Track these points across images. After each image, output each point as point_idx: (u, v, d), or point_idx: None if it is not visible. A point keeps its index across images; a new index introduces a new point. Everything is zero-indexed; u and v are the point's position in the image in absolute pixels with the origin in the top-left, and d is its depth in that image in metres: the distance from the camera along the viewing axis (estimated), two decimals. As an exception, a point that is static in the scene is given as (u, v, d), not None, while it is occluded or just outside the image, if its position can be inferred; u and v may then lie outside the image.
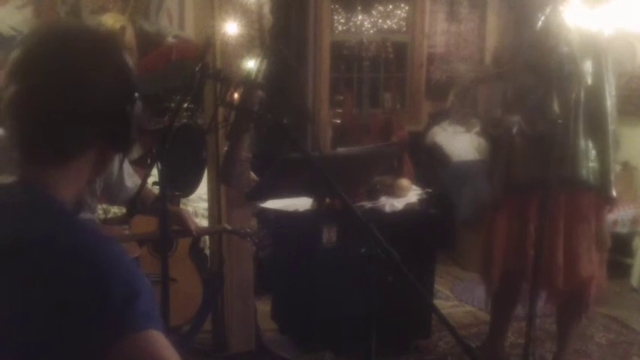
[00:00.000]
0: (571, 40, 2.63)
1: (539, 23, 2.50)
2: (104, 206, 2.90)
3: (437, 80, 5.53)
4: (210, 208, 3.23)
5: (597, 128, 2.71)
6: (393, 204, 3.21)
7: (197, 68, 2.06)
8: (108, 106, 0.99)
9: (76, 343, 0.85)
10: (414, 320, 3.24)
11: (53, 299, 0.86)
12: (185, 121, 2.21)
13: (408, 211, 3.25)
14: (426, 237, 3.25)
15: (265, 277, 3.59)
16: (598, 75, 2.68)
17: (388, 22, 5.58)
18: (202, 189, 3.20)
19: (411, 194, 3.35)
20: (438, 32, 5.55)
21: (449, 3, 5.54)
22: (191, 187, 2.76)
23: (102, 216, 2.88)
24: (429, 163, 5.07)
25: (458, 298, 4.12)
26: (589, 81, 2.67)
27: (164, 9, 4.56)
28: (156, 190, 2.13)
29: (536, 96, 2.65)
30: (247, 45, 3.01)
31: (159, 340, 0.88)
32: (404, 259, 1.68)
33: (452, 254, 4.75)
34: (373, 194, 3.24)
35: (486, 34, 5.55)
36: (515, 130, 2.73)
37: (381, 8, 5.54)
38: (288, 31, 5.07)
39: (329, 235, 3.01)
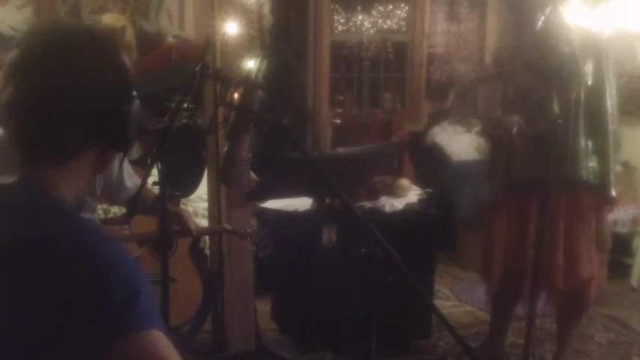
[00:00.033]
0: (571, 40, 2.63)
1: (540, 23, 2.50)
2: (104, 206, 2.90)
3: (437, 80, 5.53)
4: (210, 208, 3.23)
5: (597, 128, 2.71)
6: (393, 204, 3.21)
7: (197, 68, 2.05)
8: (106, 105, 0.99)
9: (76, 343, 0.85)
10: (414, 320, 3.24)
11: (53, 299, 0.86)
12: (185, 121, 2.21)
13: (408, 211, 3.25)
14: (426, 237, 3.25)
15: (265, 277, 3.59)
16: (598, 75, 2.68)
17: (388, 22, 5.58)
18: (202, 189, 3.19)
19: (411, 194, 3.35)
20: (438, 32, 5.55)
21: (449, 3, 5.54)
22: (191, 187, 2.75)
23: (102, 216, 2.89)
24: (429, 163, 5.07)
25: (458, 298, 4.12)
26: (589, 81, 2.66)
27: (164, 9, 4.56)
28: (156, 190, 2.13)
29: (537, 96, 2.65)
30: (247, 45, 3.01)
31: (159, 339, 0.88)
32: (404, 259, 1.68)
33: (452, 254, 4.75)
34: (373, 194, 3.24)
35: (486, 34, 5.55)
36: (515, 130, 2.72)
37: (381, 8, 5.54)
38: (288, 31, 5.07)
39: (329, 235, 3.01)
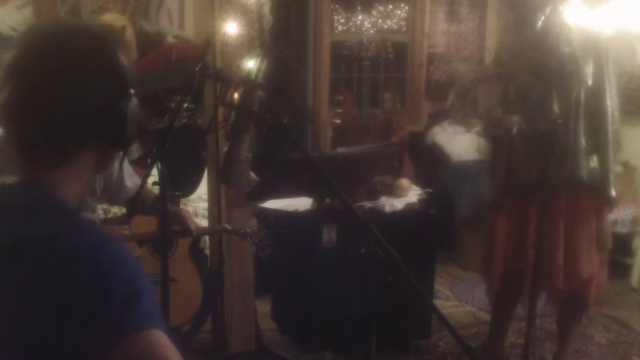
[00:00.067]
0: (571, 40, 2.63)
1: (540, 23, 2.50)
2: (104, 206, 2.90)
3: (437, 80, 5.53)
4: (210, 208, 3.23)
5: (597, 128, 2.71)
6: (393, 204, 3.21)
7: (197, 68, 2.05)
8: (104, 104, 0.99)
9: (76, 343, 0.85)
10: (414, 320, 3.23)
11: (53, 299, 0.86)
12: (185, 121, 2.21)
13: (408, 211, 3.25)
14: (426, 237, 3.25)
15: (265, 277, 3.59)
16: (598, 75, 2.68)
17: (388, 22, 5.58)
18: (202, 189, 3.19)
19: (411, 194, 3.35)
20: (438, 32, 5.55)
21: (449, 3, 5.54)
22: (191, 187, 2.75)
23: (102, 216, 2.89)
24: (429, 163, 5.07)
25: (458, 298, 4.12)
26: (589, 81, 2.66)
27: (164, 9, 4.56)
28: (156, 190, 2.13)
29: (537, 96, 2.65)
30: (247, 45, 3.01)
31: (160, 339, 0.88)
32: (404, 259, 1.68)
33: (452, 254, 4.75)
34: (373, 194, 3.24)
35: (486, 34, 5.55)
36: (515, 130, 2.73)
37: (381, 8, 5.54)
38: (288, 31, 5.07)
39: (329, 235, 3.01)
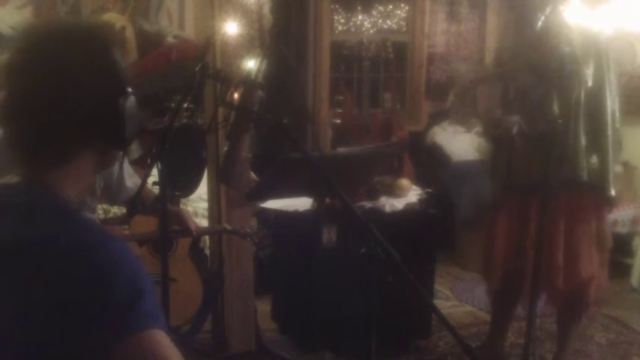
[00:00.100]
0: (571, 40, 2.63)
1: (540, 23, 2.50)
2: (104, 206, 2.90)
3: (437, 80, 5.53)
4: (210, 208, 3.23)
5: (597, 128, 2.71)
6: (393, 204, 3.21)
7: (197, 68, 2.06)
8: (102, 103, 0.99)
9: (77, 343, 0.85)
10: (414, 320, 3.23)
11: (54, 299, 0.86)
12: (185, 121, 2.21)
13: (408, 211, 3.24)
14: (426, 237, 3.25)
15: (265, 277, 3.59)
16: (599, 75, 2.68)
17: (388, 22, 5.58)
18: (202, 189, 3.20)
19: (411, 194, 3.35)
20: (438, 32, 5.55)
21: (449, 3, 5.54)
22: (191, 187, 2.76)
23: (102, 216, 2.89)
24: (429, 163, 5.06)
25: (458, 298, 4.12)
26: (589, 81, 2.66)
27: (164, 9, 4.56)
28: (156, 190, 2.13)
29: (537, 96, 2.65)
30: (247, 45, 3.01)
31: (161, 339, 0.88)
32: (404, 259, 1.68)
33: (452, 254, 4.75)
34: (373, 194, 3.23)
35: (486, 34, 5.55)
36: (515, 130, 2.73)
37: (381, 8, 5.54)
38: (288, 31, 5.07)
39: (329, 235, 3.01)
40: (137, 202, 2.23)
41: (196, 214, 3.53)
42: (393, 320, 2.80)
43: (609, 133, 2.70)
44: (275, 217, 3.21)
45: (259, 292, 3.48)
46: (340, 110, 5.11)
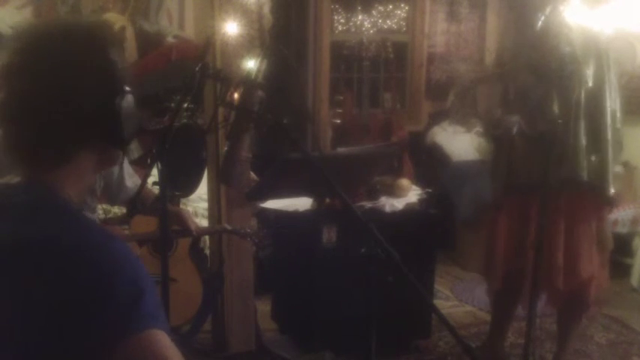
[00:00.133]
0: (572, 40, 2.63)
1: (540, 23, 2.50)
2: (104, 206, 2.91)
3: (437, 80, 5.53)
4: (210, 208, 3.23)
5: (597, 128, 2.71)
6: (393, 204, 3.21)
7: (197, 68, 2.06)
8: (99, 102, 0.99)
9: (77, 343, 0.85)
10: (414, 320, 3.23)
11: (54, 299, 0.86)
12: (185, 121, 2.21)
13: (408, 211, 3.24)
14: (426, 237, 3.25)
15: (265, 277, 3.59)
16: (599, 75, 2.68)
17: (388, 22, 5.58)
18: (202, 189, 3.20)
19: (411, 194, 3.35)
20: (438, 32, 5.55)
21: (449, 3, 5.54)
22: (191, 187, 2.76)
23: (102, 216, 2.89)
24: (429, 163, 5.06)
25: (458, 298, 4.12)
26: (589, 81, 2.66)
27: (164, 9, 4.56)
28: (156, 190, 2.13)
29: (537, 96, 2.65)
30: (247, 45, 3.01)
31: (162, 339, 0.88)
32: (404, 259, 1.68)
33: (452, 254, 4.75)
34: (373, 194, 3.23)
35: (486, 34, 5.55)
36: (515, 130, 2.72)
37: (381, 8, 5.54)
38: (288, 31, 5.07)
39: (329, 235, 3.01)
40: (137, 202, 2.23)
41: (196, 214, 3.53)
42: (393, 320, 2.80)
43: (609, 133, 2.69)
44: (275, 217, 3.21)
45: (259, 292, 3.48)
46: (340, 110, 5.11)
